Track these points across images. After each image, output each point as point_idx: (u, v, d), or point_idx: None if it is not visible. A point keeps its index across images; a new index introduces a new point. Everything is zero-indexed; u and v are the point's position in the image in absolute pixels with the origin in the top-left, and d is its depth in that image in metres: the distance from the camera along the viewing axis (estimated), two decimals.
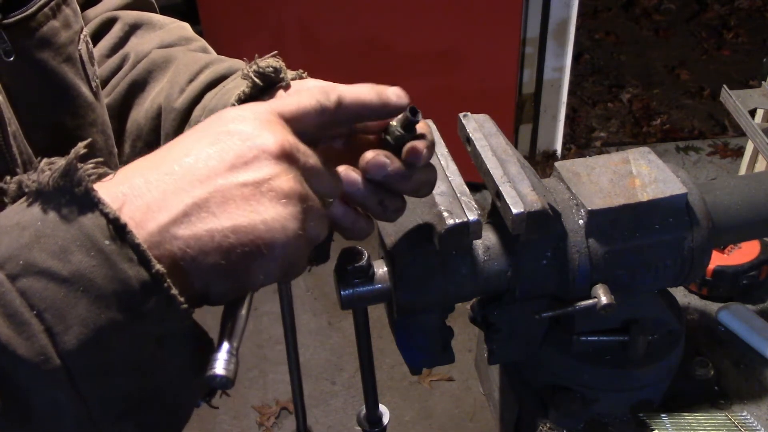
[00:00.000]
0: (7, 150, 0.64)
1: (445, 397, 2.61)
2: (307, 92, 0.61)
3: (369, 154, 0.63)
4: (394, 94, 0.65)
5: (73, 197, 0.49)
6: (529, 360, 0.97)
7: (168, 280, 0.50)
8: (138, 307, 0.49)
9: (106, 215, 0.49)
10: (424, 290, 0.80)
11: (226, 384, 0.53)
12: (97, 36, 0.90)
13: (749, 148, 1.61)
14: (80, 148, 0.50)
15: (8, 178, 0.51)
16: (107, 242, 0.48)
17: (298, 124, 0.59)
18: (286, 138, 0.56)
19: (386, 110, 0.65)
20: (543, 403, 0.97)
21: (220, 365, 0.53)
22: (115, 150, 0.82)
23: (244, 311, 0.57)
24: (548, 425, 0.96)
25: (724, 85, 1.41)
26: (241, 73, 0.76)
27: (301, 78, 0.75)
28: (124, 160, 0.87)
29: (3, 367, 0.45)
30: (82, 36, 0.75)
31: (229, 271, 0.52)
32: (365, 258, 0.77)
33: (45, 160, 0.50)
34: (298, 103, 0.60)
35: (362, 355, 0.84)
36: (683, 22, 4.77)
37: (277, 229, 0.53)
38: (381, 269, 0.80)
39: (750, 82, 4.00)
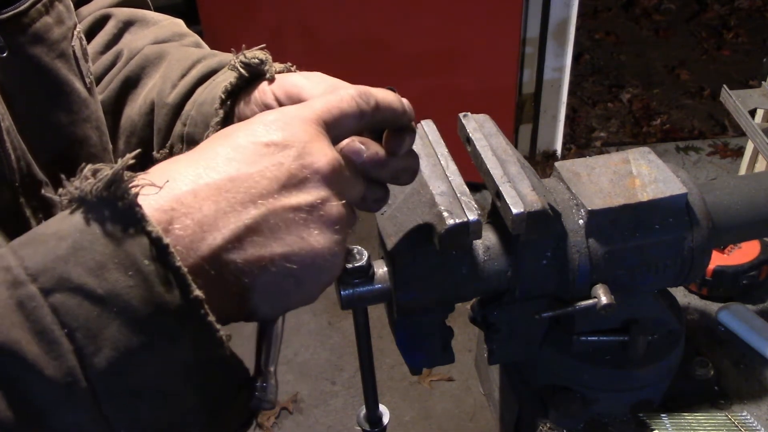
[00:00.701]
0: (0, 145, 0.64)
1: (445, 397, 2.61)
2: (347, 95, 0.59)
3: (344, 141, 0.61)
4: (408, 104, 0.64)
5: (115, 211, 0.47)
6: (529, 360, 0.97)
7: (206, 307, 0.48)
8: (172, 332, 0.47)
9: (148, 234, 0.46)
10: (424, 290, 0.80)
11: (269, 407, 0.53)
12: (90, 33, 0.90)
13: (749, 148, 1.61)
14: (128, 158, 0.48)
15: (62, 190, 0.48)
16: (147, 262, 0.46)
17: (337, 129, 0.58)
18: (334, 156, 0.55)
19: (405, 118, 0.63)
20: (543, 403, 0.97)
21: (262, 389, 0.52)
22: (110, 146, 0.82)
23: (278, 329, 0.56)
24: (548, 425, 0.96)
25: (724, 85, 1.41)
26: (229, 65, 0.76)
27: (289, 71, 0.76)
28: (120, 157, 0.87)
29: (27, 385, 0.44)
30: (75, 32, 0.75)
31: (277, 296, 0.52)
32: (365, 258, 0.77)
33: (89, 166, 0.48)
34: (340, 108, 0.58)
35: (362, 355, 0.84)
36: (683, 22, 4.77)
37: (326, 257, 0.53)
38: (381, 269, 0.80)
39: (750, 82, 4.00)
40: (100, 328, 0.45)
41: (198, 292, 0.47)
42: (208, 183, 0.50)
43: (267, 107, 0.71)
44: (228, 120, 0.76)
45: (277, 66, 0.75)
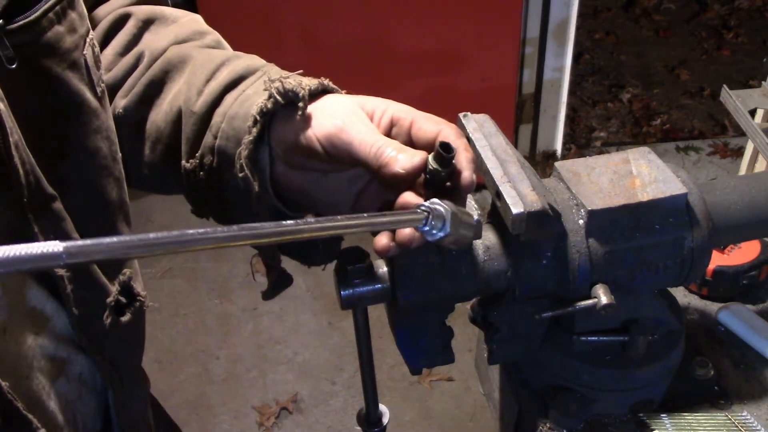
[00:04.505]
0: (9, 160, 0.62)
1: (445, 397, 2.61)
2: None
3: (381, 242, 0.67)
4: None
5: None
6: (529, 360, 0.97)
7: None
8: None
9: None
10: (424, 290, 0.80)
11: None
12: (110, 33, 0.88)
13: (749, 148, 1.60)
14: None
15: None
16: None
17: None
18: None
19: None
20: (543, 403, 0.97)
21: None
22: (119, 155, 0.80)
23: None
24: (548, 425, 0.96)
25: (724, 85, 1.41)
26: (262, 75, 0.74)
27: (323, 87, 0.74)
28: (145, 162, 0.86)
29: None
30: (87, 40, 0.73)
31: None
32: (366, 258, 0.77)
33: None
34: None
35: (362, 355, 0.84)
36: (683, 22, 4.76)
37: None
38: (381, 269, 0.80)
39: (750, 82, 4.01)
40: None
41: None
42: None
43: (311, 150, 0.71)
44: (262, 138, 0.75)
45: (311, 83, 0.73)
